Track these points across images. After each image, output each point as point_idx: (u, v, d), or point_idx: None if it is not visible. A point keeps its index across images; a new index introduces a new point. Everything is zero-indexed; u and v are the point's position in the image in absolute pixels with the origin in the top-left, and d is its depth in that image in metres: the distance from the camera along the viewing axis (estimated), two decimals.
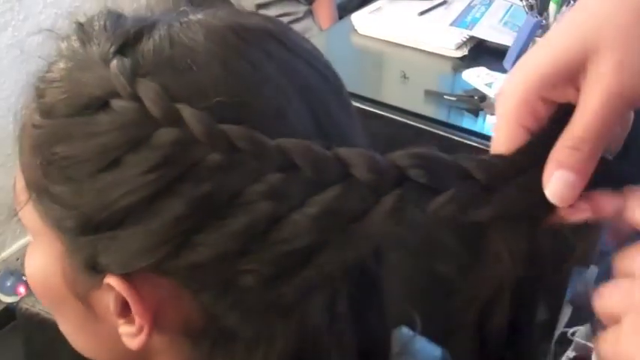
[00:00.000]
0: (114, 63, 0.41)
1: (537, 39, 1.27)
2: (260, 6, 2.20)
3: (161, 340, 0.46)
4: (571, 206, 0.39)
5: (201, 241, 0.40)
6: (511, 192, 0.40)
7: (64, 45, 0.45)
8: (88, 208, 0.42)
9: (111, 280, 0.43)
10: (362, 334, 0.49)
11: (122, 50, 0.42)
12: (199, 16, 0.45)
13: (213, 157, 0.40)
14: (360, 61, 1.51)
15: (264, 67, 0.43)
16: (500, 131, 0.40)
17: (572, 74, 0.38)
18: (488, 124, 1.25)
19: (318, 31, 2.22)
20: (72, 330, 0.51)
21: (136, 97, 0.40)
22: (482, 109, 1.26)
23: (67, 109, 0.42)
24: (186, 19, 0.44)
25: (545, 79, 0.38)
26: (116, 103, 0.40)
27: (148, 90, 0.40)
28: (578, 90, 0.38)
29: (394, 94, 1.35)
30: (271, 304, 0.43)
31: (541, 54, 0.39)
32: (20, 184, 0.47)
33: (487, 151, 1.11)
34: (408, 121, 1.27)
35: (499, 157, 0.41)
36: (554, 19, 1.29)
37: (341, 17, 2.26)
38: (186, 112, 0.39)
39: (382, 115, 1.28)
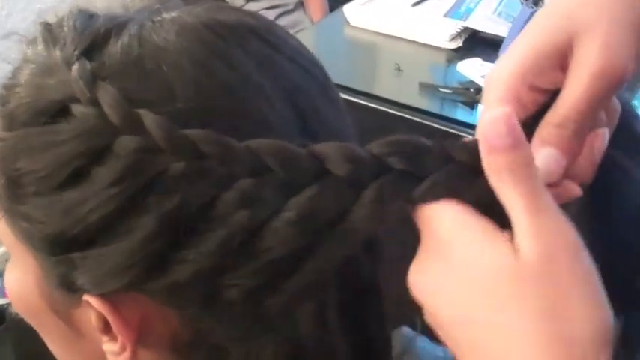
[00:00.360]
0: (75, 66, 0.38)
1: None
2: None
3: (149, 356, 0.44)
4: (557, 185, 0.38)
5: (176, 259, 0.38)
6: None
7: (29, 49, 0.42)
8: (56, 227, 0.39)
9: (89, 299, 0.41)
10: (360, 338, 0.47)
11: (89, 52, 0.40)
12: (174, 13, 0.42)
13: (177, 166, 0.37)
14: (353, 53, 1.49)
15: (241, 65, 0.40)
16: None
17: (560, 58, 0.38)
18: None
19: (309, 24, 2.20)
20: (54, 346, 0.49)
21: (95, 103, 0.37)
22: (478, 102, 1.24)
23: (27, 117, 0.39)
24: (159, 18, 0.42)
25: (529, 65, 0.38)
26: (76, 109, 0.38)
27: (106, 94, 0.37)
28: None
29: (388, 87, 1.34)
30: (258, 317, 0.41)
31: (527, 43, 0.39)
32: None
33: None
34: (403, 114, 1.25)
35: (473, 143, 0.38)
36: None
37: (332, 9, 2.25)
38: (147, 117, 0.36)
39: (376, 108, 1.27)
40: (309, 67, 0.44)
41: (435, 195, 0.37)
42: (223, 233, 0.37)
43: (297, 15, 2.23)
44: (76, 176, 0.38)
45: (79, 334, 0.45)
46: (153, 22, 0.41)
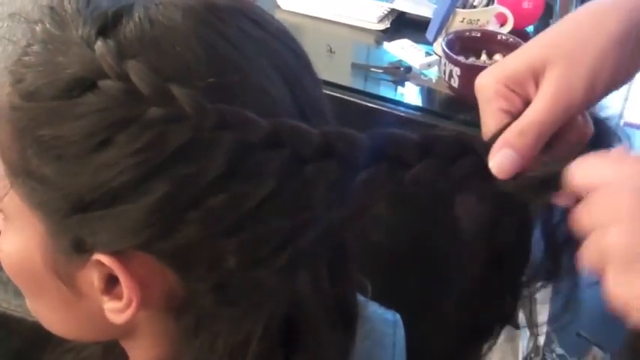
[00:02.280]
0: (98, 44, 0.41)
1: (457, 10, 1.31)
2: None
3: (144, 315, 0.47)
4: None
5: (187, 220, 0.41)
6: (467, 164, 0.45)
7: (38, 28, 0.44)
8: (78, 189, 0.42)
9: (100, 257, 0.44)
10: (339, 302, 0.51)
11: (103, 32, 0.42)
12: None
13: (204, 136, 0.40)
14: None
15: (242, 45, 0.44)
16: (485, 116, 0.47)
17: (534, 77, 0.45)
18: (414, 94, 1.29)
19: None
20: (49, 310, 0.51)
21: (124, 77, 0.40)
22: (407, 80, 1.30)
23: (51, 91, 0.42)
24: (160, 1, 0.44)
25: (510, 74, 0.46)
26: (104, 84, 0.40)
27: (137, 70, 0.40)
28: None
29: (321, 69, 1.36)
30: (254, 285, 0.45)
31: (511, 57, 0.47)
32: None
33: (413, 120, 1.14)
34: (337, 94, 1.28)
35: (452, 134, 0.46)
36: None
37: None
38: (177, 90, 0.40)
39: None
40: (293, 46, 0.48)
41: (423, 177, 0.44)
42: (231, 198, 0.41)
43: None
44: (103, 143, 0.41)
45: (79, 296, 0.48)
46: (156, 5, 0.44)
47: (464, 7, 1.35)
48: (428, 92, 1.30)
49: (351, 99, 1.28)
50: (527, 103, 0.46)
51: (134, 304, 0.45)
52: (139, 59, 0.41)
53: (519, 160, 0.44)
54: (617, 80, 0.46)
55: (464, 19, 1.33)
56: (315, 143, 0.42)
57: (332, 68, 1.36)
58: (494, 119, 0.46)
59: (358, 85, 1.31)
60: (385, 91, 1.30)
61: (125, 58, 0.41)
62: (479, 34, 1.26)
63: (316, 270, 0.48)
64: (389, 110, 1.26)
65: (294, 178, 0.42)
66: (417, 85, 1.30)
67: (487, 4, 1.36)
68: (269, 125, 0.41)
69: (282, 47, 0.46)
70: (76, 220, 0.43)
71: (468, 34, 1.26)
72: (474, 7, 1.36)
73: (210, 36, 0.43)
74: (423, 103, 1.28)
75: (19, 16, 0.46)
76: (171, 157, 0.40)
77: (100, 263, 0.44)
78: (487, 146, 0.46)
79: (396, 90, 1.29)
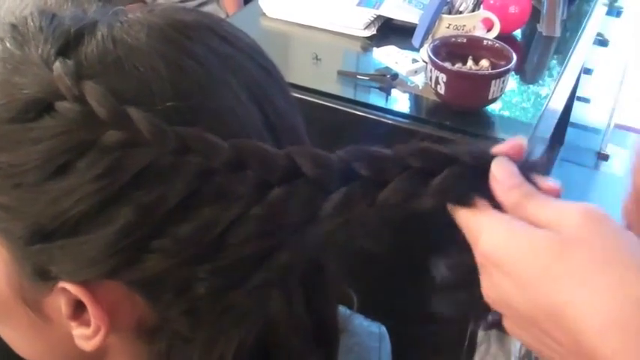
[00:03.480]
0: (57, 65, 0.40)
1: (443, 16, 1.31)
2: None
3: (115, 340, 0.46)
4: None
5: (152, 249, 0.40)
6: (447, 180, 0.42)
7: None
8: (37, 217, 0.41)
9: (66, 285, 0.43)
10: (313, 316, 0.50)
11: (63, 51, 0.41)
12: (138, 14, 0.44)
13: (163, 161, 0.39)
14: (272, 44, 1.51)
15: (209, 63, 0.43)
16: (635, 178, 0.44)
17: None
18: (401, 101, 1.28)
19: (224, 16, 2.20)
20: (17, 336, 0.50)
21: (81, 100, 0.39)
22: (394, 87, 1.29)
23: (8, 113, 0.41)
24: (125, 18, 0.43)
25: None
26: (61, 106, 0.39)
27: (94, 92, 0.39)
28: None
29: (308, 76, 1.36)
30: (226, 310, 0.43)
31: None
32: None
33: (400, 127, 1.13)
34: (323, 102, 1.28)
35: (435, 146, 0.43)
36: None
37: (246, 1, 2.25)
38: (135, 113, 0.39)
39: (297, 97, 1.28)
40: (263, 62, 0.47)
41: (395, 199, 0.42)
42: (197, 225, 0.39)
43: (212, 7, 2.23)
44: (61, 170, 0.39)
45: (47, 322, 0.46)
46: (121, 22, 0.43)
47: (450, 12, 1.34)
48: (415, 99, 1.29)
49: (338, 107, 1.28)
50: None
51: (102, 331, 0.44)
52: (97, 80, 0.40)
53: None
54: None
55: (450, 24, 1.32)
56: (280, 165, 0.41)
57: (318, 76, 1.36)
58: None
59: (345, 92, 1.30)
60: (372, 98, 1.29)
61: (83, 79, 0.39)
62: (465, 40, 1.25)
63: (289, 292, 0.47)
64: (376, 118, 1.26)
65: (260, 202, 0.41)
66: (404, 91, 1.30)
67: (473, 10, 1.36)
68: (231, 148, 0.40)
69: (251, 64, 0.45)
70: (37, 248, 0.42)
71: (454, 40, 1.25)
72: (460, 12, 1.35)
73: (174, 54, 0.42)
74: (410, 109, 1.28)
75: None
76: (130, 184, 0.39)
77: (65, 290, 0.43)
78: (476, 154, 0.43)
79: (382, 97, 1.28)
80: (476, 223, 0.41)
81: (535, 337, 0.40)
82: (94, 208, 0.39)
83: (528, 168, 0.42)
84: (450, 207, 0.43)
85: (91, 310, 0.43)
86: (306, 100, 1.28)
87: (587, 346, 0.36)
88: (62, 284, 0.43)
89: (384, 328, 0.72)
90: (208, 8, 2.20)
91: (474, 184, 0.42)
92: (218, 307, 0.43)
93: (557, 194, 0.42)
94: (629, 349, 0.34)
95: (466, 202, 0.42)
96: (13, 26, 0.44)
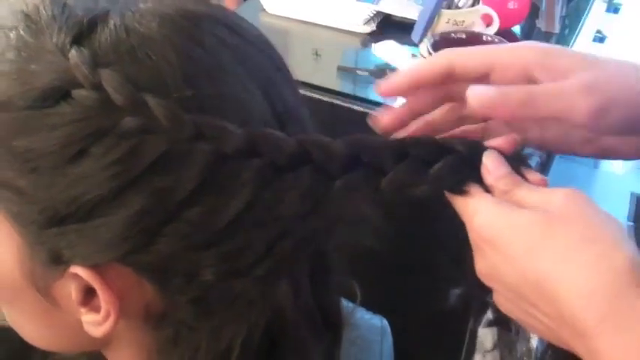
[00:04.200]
0: (73, 53, 0.40)
1: (443, 11, 1.31)
2: None
3: (122, 326, 0.46)
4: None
5: (163, 233, 0.40)
6: (444, 168, 0.45)
7: (12, 35, 0.43)
8: (53, 202, 0.41)
9: (77, 270, 0.43)
10: (321, 311, 0.50)
11: (78, 40, 0.41)
12: (149, 4, 0.44)
13: (179, 147, 0.40)
14: (271, 40, 1.51)
15: (218, 53, 0.43)
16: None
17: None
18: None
19: None
20: (25, 321, 0.51)
21: (98, 87, 0.39)
22: None
23: (24, 101, 0.41)
24: (136, 8, 0.44)
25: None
26: (78, 93, 0.40)
27: (111, 79, 0.39)
28: None
29: (308, 72, 1.36)
30: (233, 298, 0.44)
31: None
32: None
33: None
34: (323, 98, 1.28)
35: (433, 137, 0.46)
36: None
37: None
38: (152, 100, 0.39)
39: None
40: (270, 53, 0.47)
41: (395, 185, 0.44)
42: (207, 210, 0.40)
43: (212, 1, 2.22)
44: (78, 155, 0.40)
45: (56, 307, 0.47)
46: (132, 12, 0.43)
47: (449, 8, 1.34)
48: None
49: (338, 102, 1.28)
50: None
51: (112, 317, 0.44)
52: (113, 68, 0.40)
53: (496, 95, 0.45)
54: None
55: (449, 20, 1.32)
56: (289, 151, 0.42)
57: (318, 71, 1.36)
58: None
59: (345, 88, 1.30)
60: (372, 93, 1.29)
61: (99, 67, 0.40)
62: (464, 36, 1.25)
63: (297, 279, 0.47)
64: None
65: (269, 188, 0.41)
66: None
67: (472, 5, 1.36)
68: (244, 135, 0.40)
69: (258, 54, 0.46)
70: (52, 232, 0.42)
71: (453, 35, 1.26)
72: (459, 8, 1.36)
73: (187, 45, 0.42)
74: None
75: None
76: (147, 169, 0.40)
77: (77, 276, 0.43)
78: (470, 145, 0.46)
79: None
80: (470, 205, 0.44)
81: (523, 309, 0.43)
82: (110, 193, 0.40)
83: (519, 161, 0.46)
84: (446, 194, 0.46)
85: (102, 295, 0.43)
86: (306, 95, 1.28)
87: (570, 315, 0.38)
88: (74, 269, 0.43)
89: (385, 322, 0.72)
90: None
91: (468, 173, 0.45)
92: (226, 295, 0.44)
93: (544, 186, 0.45)
94: (609, 315, 0.37)
95: (461, 188, 0.45)
96: (26, 15, 0.44)
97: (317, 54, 1.38)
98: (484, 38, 1.24)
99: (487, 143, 0.47)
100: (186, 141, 0.40)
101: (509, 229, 0.42)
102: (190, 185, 0.40)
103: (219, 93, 0.42)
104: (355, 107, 1.27)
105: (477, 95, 0.45)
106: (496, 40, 1.22)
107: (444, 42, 1.23)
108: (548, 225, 0.40)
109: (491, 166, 0.45)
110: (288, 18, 1.51)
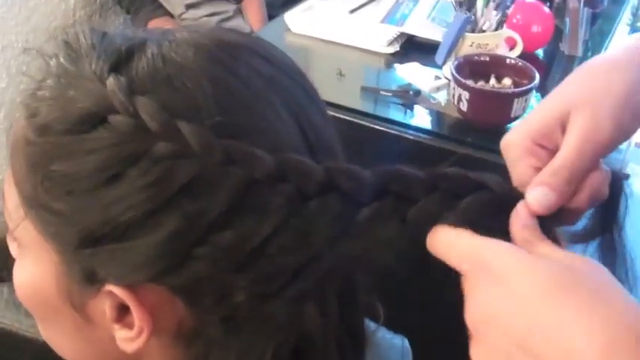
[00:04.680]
0: (110, 80, 0.42)
1: (467, 34, 1.32)
2: (189, 6, 2.20)
3: (154, 343, 0.47)
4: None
5: (195, 256, 0.42)
6: (473, 204, 0.44)
7: (52, 62, 0.45)
8: (88, 223, 0.43)
9: (112, 288, 0.44)
10: (346, 331, 0.51)
11: (115, 68, 0.43)
12: (185, 34, 0.46)
13: (211, 172, 0.41)
14: (295, 59, 1.52)
15: (252, 83, 0.44)
16: (515, 174, 0.48)
17: (560, 125, 0.46)
18: (423, 118, 1.29)
19: (248, 30, 2.22)
20: (62, 338, 0.52)
21: (133, 113, 0.41)
22: (417, 103, 1.30)
23: (63, 126, 0.43)
24: (173, 38, 0.45)
25: (536, 128, 0.47)
26: (114, 119, 0.41)
27: (146, 106, 0.41)
28: None
29: (331, 92, 1.38)
30: (263, 319, 0.45)
31: (534, 113, 0.48)
32: (12, 200, 0.47)
33: (422, 143, 1.15)
34: (347, 118, 1.29)
35: (464, 171, 0.46)
36: (482, 14, 1.35)
37: (270, 14, 2.28)
38: (185, 127, 0.41)
39: None
40: (302, 82, 0.48)
41: (425, 217, 0.44)
42: (238, 234, 0.41)
43: (237, 21, 2.25)
44: (113, 178, 0.41)
45: (91, 323, 0.48)
46: (169, 42, 0.45)
47: (473, 31, 1.36)
48: (437, 116, 1.31)
49: (361, 122, 1.29)
50: (548, 158, 0.47)
51: (145, 333, 0.45)
52: (149, 96, 0.42)
53: (555, 197, 0.45)
54: None
55: (473, 43, 1.33)
56: (318, 179, 0.42)
57: (342, 91, 1.37)
58: (525, 176, 0.46)
59: (368, 108, 1.32)
60: (394, 114, 1.30)
61: (135, 94, 0.41)
62: (488, 58, 1.26)
63: (325, 301, 0.48)
64: (398, 133, 1.27)
65: (298, 214, 0.42)
66: (427, 108, 1.31)
67: (496, 29, 1.37)
68: (274, 161, 0.42)
69: (291, 83, 0.47)
70: (87, 252, 0.44)
71: (477, 58, 1.27)
72: (483, 31, 1.37)
73: (221, 73, 0.44)
74: (432, 126, 1.29)
75: (35, 51, 0.47)
76: (179, 193, 0.41)
77: (111, 293, 0.45)
78: (503, 186, 0.46)
79: (405, 113, 1.30)
80: (487, 242, 0.42)
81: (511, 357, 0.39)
82: (143, 216, 0.41)
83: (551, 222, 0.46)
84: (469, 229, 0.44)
85: (135, 312, 0.45)
86: (329, 115, 1.30)
87: None
88: (108, 287, 0.45)
89: (406, 342, 0.73)
90: (233, 23, 2.23)
91: (496, 212, 0.45)
92: (256, 315, 0.45)
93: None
94: None
95: (484, 227, 0.44)
96: (66, 43, 0.46)
97: (341, 74, 1.40)
98: (507, 61, 1.25)
99: (527, 197, 0.46)
100: (217, 166, 0.41)
101: (526, 267, 0.39)
102: (220, 208, 0.41)
103: (252, 121, 0.43)
104: (378, 127, 1.28)
105: (536, 202, 0.45)
106: (519, 63, 1.23)
107: (467, 64, 1.24)
108: (572, 273, 0.39)
109: (523, 213, 0.44)
110: (313, 37, 1.53)
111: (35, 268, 0.49)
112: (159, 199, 0.41)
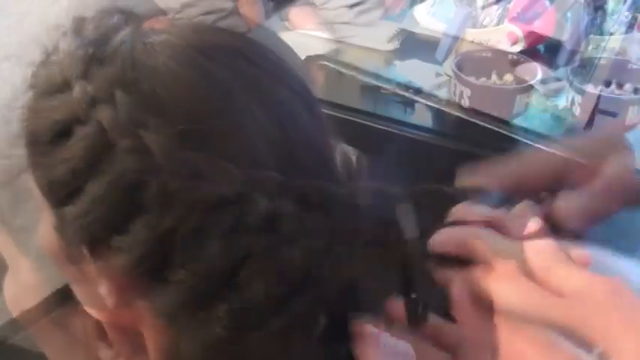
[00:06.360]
0: (76, 88, 0.40)
1: (468, 29, 1.31)
2: (185, 5, 2.18)
3: None
4: None
5: (169, 279, 0.39)
6: None
7: (30, 71, 0.44)
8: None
9: (89, 310, 0.44)
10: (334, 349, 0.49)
11: (85, 74, 0.41)
12: (163, 35, 0.44)
13: (175, 186, 0.38)
14: (295, 57, 1.51)
15: (230, 88, 0.42)
16: None
17: None
18: (423, 115, 1.28)
19: (245, 29, 2.20)
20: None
21: (96, 124, 0.39)
22: (417, 101, 1.28)
23: (33, 137, 0.42)
24: (150, 40, 0.43)
25: None
26: (78, 130, 0.39)
27: (107, 115, 0.39)
28: None
29: (330, 90, 1.37)
30: (248, 351, 0.42)
31: None
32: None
33: (423, 141, 1.12)
34: (346, 116, 1.28)
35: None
36: (482, 9, 1.33)
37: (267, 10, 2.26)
38: (148, 137, 0.38)
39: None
40: (292, 84, 0.45)
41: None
42: (209, 256, 0.38)
43: (233, 20, 2.23)
44: (74, 193, 0.39)
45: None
46: (144, 44, 0.42)
47: (474, 26, 1.34)
48: (438, 113, 1.29)
49: (361, 120, 1.27)
50: None
51: (123, 355, 0.45)
52: (112, 104, 0.39)
53: None
54: None
55: (474, 38, 1.32)
56: (290, 197, 0.39)
57: (341, 89, 1.36)
58: None
59: (368, 106, 1.30)
60: (395, 112, 1.28)
61: (100, 103, 0.39)
62: (489, 54, 1.25)
63: (313, 330, 0.45)
64: (399, 132, 1.25)
65: (271, 236, 0.39)
66: (427, 105, 1.29)
67: (497, 24, 1.35)
68: (243, 176, 0.39)
69: (278, 86, 0.44)
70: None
71: (478, 54, 1.25)
72: (485, 26, 1.35)
73: (194, 79, 0.41)
74: (432, 124, 1.27)
75: (16, 58, 0.45)
76: (144, 209, 0.38)
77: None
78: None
79: (405, 111, 1.28)
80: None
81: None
82: (107, 232, 0.39)
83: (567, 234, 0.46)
84: None
85: (111, 337, 0.45)
86: (328, 113, 1.28)
87: None
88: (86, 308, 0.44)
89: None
90: (229, 21, 2.20)
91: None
92: (239, 348, 0.42)
93: (585, 264, 0.43)
94: None
95: None
96: (46, 49, 0.44)
97: (340, 72, 1.38)
98: (509, 57, 1.24)
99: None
100: (183, 179, 0.38)
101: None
102: (187, 227, 0.38)
103: (224, 128, 0.40)
104: (378, 125, 1.26)
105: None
106: (521, 59, 1.22)
107: (468, 61, 1.23)
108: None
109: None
110: (312, 35, 1.51)
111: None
112: (121, 216, 0.39)
